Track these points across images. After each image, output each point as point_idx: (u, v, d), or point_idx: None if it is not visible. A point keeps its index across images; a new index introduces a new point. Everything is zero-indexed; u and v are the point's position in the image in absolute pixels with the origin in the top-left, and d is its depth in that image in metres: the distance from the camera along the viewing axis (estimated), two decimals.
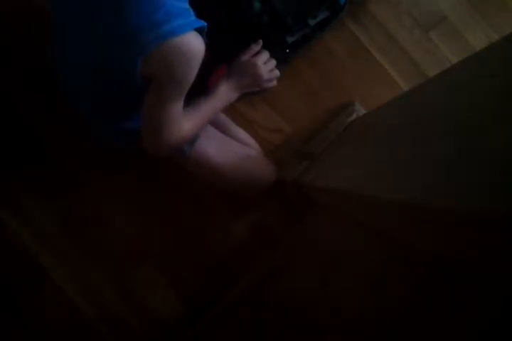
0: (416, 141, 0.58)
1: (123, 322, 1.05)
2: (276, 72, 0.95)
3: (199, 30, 0.69)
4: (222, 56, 0.96)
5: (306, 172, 1.02)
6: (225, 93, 0.88)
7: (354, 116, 1.13)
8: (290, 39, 1.03)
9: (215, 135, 0.98)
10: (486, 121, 0.45)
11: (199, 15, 0.77)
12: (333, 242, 0.79)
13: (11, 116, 1.05)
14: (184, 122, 0.79)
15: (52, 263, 1.04)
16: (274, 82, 0.96)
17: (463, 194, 0.36)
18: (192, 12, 0.69)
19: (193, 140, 0.91)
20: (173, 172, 1.04)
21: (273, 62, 0.94)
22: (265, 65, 0.92)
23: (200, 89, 1.02)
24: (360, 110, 1.14)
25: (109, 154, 1.04)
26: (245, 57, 0.92)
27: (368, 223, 0.64)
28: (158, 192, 1.08)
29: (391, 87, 1.19)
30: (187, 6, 0.69)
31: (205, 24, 0.70)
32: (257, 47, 0.93)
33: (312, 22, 1.03)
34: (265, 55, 0.93)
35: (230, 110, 1.08)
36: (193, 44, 0.67)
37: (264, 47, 1.07)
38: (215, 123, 1.01)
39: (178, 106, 0.75)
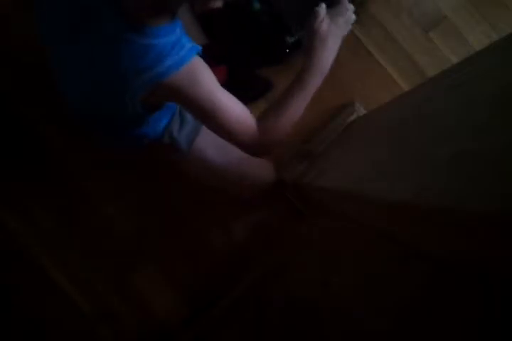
0: (416, 141, 0.58)
1: (123, 322, 1.05)
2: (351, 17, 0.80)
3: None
4: (222, 56, 0.97)
5: (306, 172, 1.02)
6: (319, 63, 0.76)
7: (354, 116, 1.13)
8: (290, 39, 1.03)
9: (215, 136, 0.97)
10: (486, 121, 0.45)
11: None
12: (333, 242, 0.79)
13: (11, 116, 1.05)
14: (282, 110, 0.75)
15: (52, 263, 1.04)
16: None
17: (463, 194, 0.36)
18: (184, 39, 0.66)
19: (190, 140, 0.91)
20: (173, 173, 1.04)
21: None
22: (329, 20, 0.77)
23: None
24: (360, 110, 1.15)
25: (110, 154, 1.04)
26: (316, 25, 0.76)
27: (368, 223, 0.64)
28: (158, 192, 1.08)
29: (391, 86, 1.19)
30: (178, 34, 0.66)
31: (200, 49, 0.68)
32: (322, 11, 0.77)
33: None
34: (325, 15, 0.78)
35: None
36: (193, 70, 0.66)
37: (264, 47, 1.07)
38: None
39: (227, 98, 0.71)
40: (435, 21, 1.22)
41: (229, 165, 0.96)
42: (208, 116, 0.71)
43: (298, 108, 0.76)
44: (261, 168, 1.03)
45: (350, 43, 1.18)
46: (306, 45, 0.77)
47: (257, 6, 1.00)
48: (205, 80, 0.68)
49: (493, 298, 0.35)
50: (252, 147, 0.76)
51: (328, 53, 0.77)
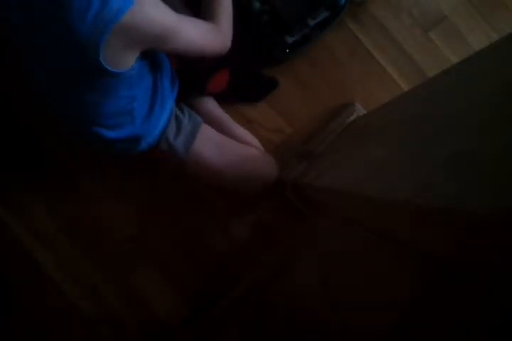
0: (416, 141, 0.58)
1: (123, 322, 1.05)
2: None
3: None
4: (222, 57, 0.96)
5: (306, 172, 1.01)
6: None
7: (354, 116, 1.13)
8: (290, 39, 1.03)
9: (213, 136, 0.97)
10: (486, 121, 0.45)
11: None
12: (333, 242, 0.79)
13: (11, 116, 1.05)
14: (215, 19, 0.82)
15: (52, 263, 1.04)
16: None
17: (463, 194, 0.36)
18: None
19: (187, 146, 0.90)
20: (172, 172, 1.04)
21: None
22: None
23: (199, 92, 1.02)
24: (360, 110, 1.14)
25: (109, 154, 1.04)
26: None
27: (368, 223, 0.64)
28: (157, 191, 1.08)
29: (391, 87, 1.19)
30: None
31: None
32: None
33: (312, 22, 1.04)
34: None
35: (230, 109, 1.08)
36: (142, 7, 0.66)
37: (264, 47, 1.07)
38: (214, 122, 1.00)
39: (184, 23, 0.76)
40: (435, 21, 1.22)
41: (227, 167, 0.95)
42: (175, 47, 0.76)
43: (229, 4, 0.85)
44: (261, 167, 1.03)
45: (350, 43, 1.18)
46: None
47: (257, 5, 1.00)
48: (158, 16, 0.70)
49: (493, 298, 0.35)
50: (223, 50, 0.85)
51: None
